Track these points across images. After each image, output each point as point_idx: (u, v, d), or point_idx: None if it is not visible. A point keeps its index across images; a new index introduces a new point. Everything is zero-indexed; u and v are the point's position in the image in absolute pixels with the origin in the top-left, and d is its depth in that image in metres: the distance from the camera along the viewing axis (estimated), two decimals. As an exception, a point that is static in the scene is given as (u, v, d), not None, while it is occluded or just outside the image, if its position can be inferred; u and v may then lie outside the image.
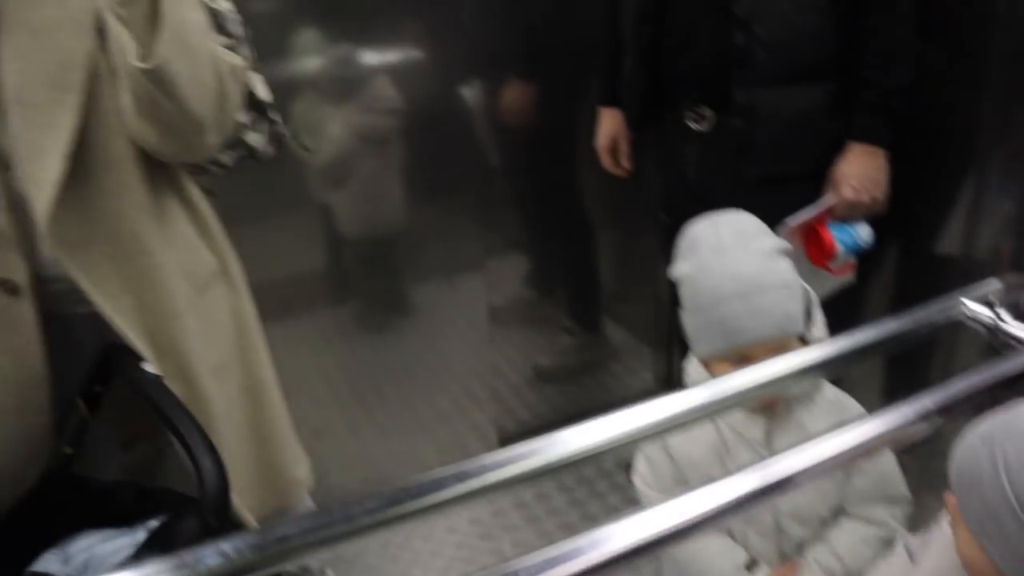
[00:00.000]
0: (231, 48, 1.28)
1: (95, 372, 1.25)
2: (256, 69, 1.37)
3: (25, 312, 1.17)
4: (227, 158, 1.35)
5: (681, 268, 1.25)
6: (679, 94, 1.76)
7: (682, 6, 1.68)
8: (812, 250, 1.75)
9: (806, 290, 1.25)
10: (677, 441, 1.32)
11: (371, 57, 2.06)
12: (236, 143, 1.34)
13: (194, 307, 1.30)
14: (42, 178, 1.12)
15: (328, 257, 2.22)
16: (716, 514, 0.62)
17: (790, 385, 0.88)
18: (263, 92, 1.36)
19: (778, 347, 1.15)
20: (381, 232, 2.25)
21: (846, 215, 1.71)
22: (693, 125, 1.76)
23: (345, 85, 2.03)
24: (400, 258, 2.31)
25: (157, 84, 1.09)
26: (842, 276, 1.79)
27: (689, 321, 1.24)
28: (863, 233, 1.74)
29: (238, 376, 1.39)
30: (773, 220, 1.65)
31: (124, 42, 1.07)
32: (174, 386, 1.23)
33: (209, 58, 1.15)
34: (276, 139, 1.42)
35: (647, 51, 1.75)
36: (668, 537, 0.60)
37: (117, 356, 1.22)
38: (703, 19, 1.65)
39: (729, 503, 0.63)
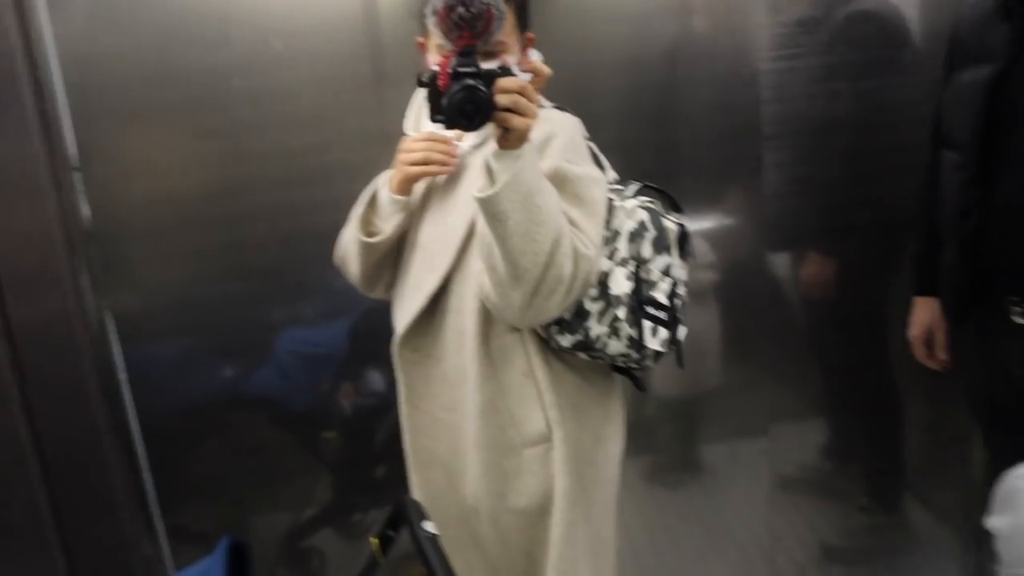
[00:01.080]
0: (608, 239, 1.32)
1: (391, 518, 1.31)
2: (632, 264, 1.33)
3: None
4: (564, 340, 1.32)
5: (996, 522, 1.05)
6: (1003, 287, 1.53)
7: (1011, 200, 1.48)
8: None
9: None
10: None
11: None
12: (575, 327, 1.31)
13: (511, 451, 1.37)
14: (412, 307, 1.37)
15: (633, 408, 2.18)
16: None
17: None
18: (618, 287, 1.31)
19: None
20: (693, 390, 2.18)
21: None
22: (1019, 320, 1.52)
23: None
24: (699, 416, 2.22)
25: (488, 214, 1.18)
26: None
27: None
28: None
29: (536, 531, 1.40)
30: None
31: (481, 184, 1.20)
32: (474, 505, 1.39)
33: (552, 226, 1.19)
34: (629, 340, 1.32)
35: (968, 243, 1.55)
36: None
37: (407, 507, 1.28)
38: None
39: None
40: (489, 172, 1.18)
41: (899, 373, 2.18)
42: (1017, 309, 1.52)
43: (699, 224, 2.07)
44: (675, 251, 1.37)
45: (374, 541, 1.38)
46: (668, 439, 2.23)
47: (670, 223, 1.38)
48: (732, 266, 2.12)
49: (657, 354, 1.35)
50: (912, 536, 2.26)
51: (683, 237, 1.39)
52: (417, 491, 1.46)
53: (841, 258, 2.12)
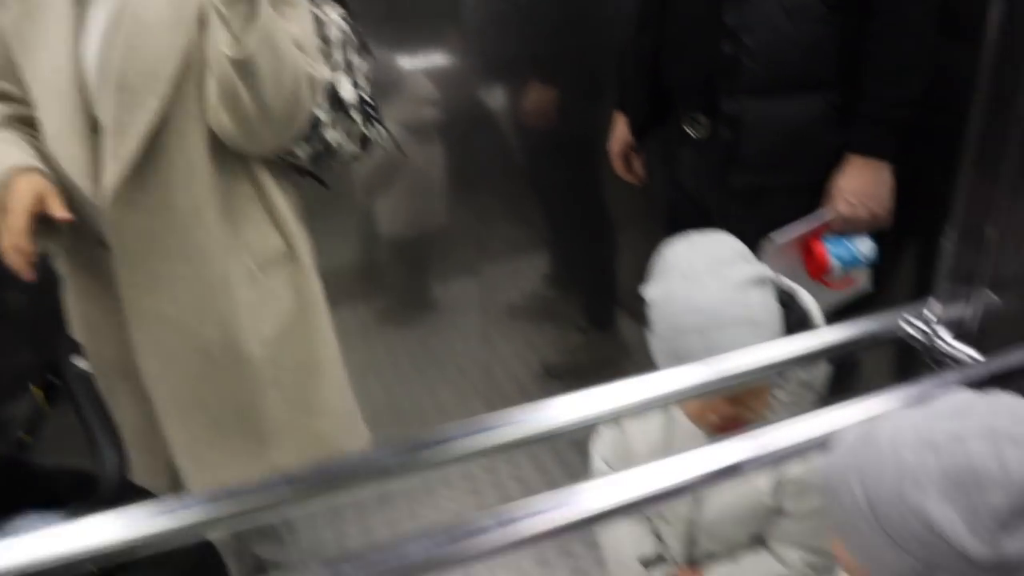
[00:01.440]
0: (324, 52, 1.34)
1: (49, 363, 1.22)
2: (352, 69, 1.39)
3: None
4: (301, 152, 1.35)
5: (650, 291, 1.12)
6: (677, 101, 1.61)
7: (678, 15, 1.53)
8: (809, 264, 1.59)
9: (785, 322, 1.09)
10: (633, 429, 1.25)
11: (406, 60, 2.04)
12: (312, 138, 1.34)
13: (253, 281, 1.34)
14: (121, 154, 1.20)
15: (362, 251, 2.16)
16: (657, 495, 0.66)
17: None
18: (347, 93, 1.36)
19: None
20: (419, 228, 2.19)
21: (844, 229, 1.54)
22: (690, 132, 1.60)
23: (390, 83, 1.99)
24: (425, 253, 2.22)
25: (241, 74, 1.16)
26: (848, 288, 1.62)
27: (653, 346, 1.11)
28: (863, 248, 1.56)
29: (294, 351, 1.41)
30: (762, 232, 1.51)
31: (220, 36, 1.16)
32: (220, 352, 1.32)
33: (292, 63, 1.21)
34: (361, 139, 1.40)
35: (646, 59, 1.61)
36: (614, 509, 0.64)
37: (61, 347, 1.19)
38: (696, 28, 1.50)
39: (674, 486, 0.66)
40: (227, 23, 1.15)
41: (610, 197, 2.28)
42: (688, 121, 1.60)
43: (420, 62, 2.03)
44: (364, 55, 1.44)
45: (36, 391, 1.28)
46: (396, 278, 2.23)
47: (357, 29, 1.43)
48: (452, 101, 2.07)
49: (374, 146, 1.45)
50: (623, 349, 2.43)
51: (364, 43, 1.45)
52: (145, 357, 1.33)
53: (558, 85, 2.12)
